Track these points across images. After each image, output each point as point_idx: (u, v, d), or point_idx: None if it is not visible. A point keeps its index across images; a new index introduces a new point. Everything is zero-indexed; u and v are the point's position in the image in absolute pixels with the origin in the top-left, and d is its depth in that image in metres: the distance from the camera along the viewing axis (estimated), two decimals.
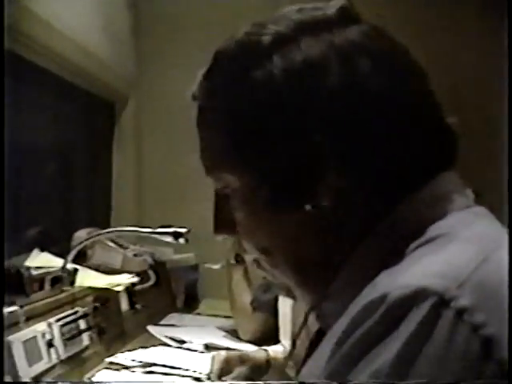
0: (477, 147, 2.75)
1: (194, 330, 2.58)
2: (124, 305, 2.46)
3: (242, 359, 1.83)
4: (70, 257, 2.07)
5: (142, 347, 2.23)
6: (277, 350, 1.85)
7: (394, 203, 0.74)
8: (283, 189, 0.75)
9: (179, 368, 1.99)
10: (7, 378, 1.51)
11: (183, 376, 1.96)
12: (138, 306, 2.56)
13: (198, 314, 3.03)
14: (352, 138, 0.72)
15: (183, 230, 2.06)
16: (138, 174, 3.49)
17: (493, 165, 2.70)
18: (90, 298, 2.12)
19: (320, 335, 0.90)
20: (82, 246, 2.11)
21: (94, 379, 1.88)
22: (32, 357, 1.66)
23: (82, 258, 2.38)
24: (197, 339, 2.37)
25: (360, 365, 0.61)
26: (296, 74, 0.73)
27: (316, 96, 0.72)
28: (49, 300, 1.84)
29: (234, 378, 1.78)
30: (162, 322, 2.72)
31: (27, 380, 1.61)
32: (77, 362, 1.92)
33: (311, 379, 0.69)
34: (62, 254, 2.20)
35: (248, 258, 0.86)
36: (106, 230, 2.16)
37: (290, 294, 0.85)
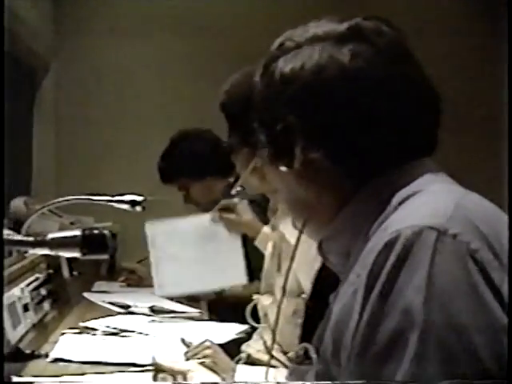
0: (477, 147, 2.97)
1: (130, 295, 2.65)
2: (65, 272, 2.49)
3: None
4: (26, 225, 2.08)
5: (107, 315, 2.26)
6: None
7: (380, 175, 0.94)
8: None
9: (138, 332, 2.07)
10: None
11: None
12: (75, 273, 2.59)
13: None
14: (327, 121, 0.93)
15: (140, 198, 2.12)
16: (57, 140, 3.47)
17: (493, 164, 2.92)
18: (43, 265, 2.14)
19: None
20: (37, 214, 2.12)
21: (57, 343, 1.92)
22: (14, 321, 1.69)
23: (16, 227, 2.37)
24: (140, 303, 2.44)
25: (395, 291, 0.79)
26: None
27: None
28: (18, 265, 1.86)
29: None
30: (93, 289, 2.77)
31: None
32: (41, 328, 1.95)
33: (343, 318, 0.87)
34: None
35: None
36: (61, 199, 2.17)
37: None
